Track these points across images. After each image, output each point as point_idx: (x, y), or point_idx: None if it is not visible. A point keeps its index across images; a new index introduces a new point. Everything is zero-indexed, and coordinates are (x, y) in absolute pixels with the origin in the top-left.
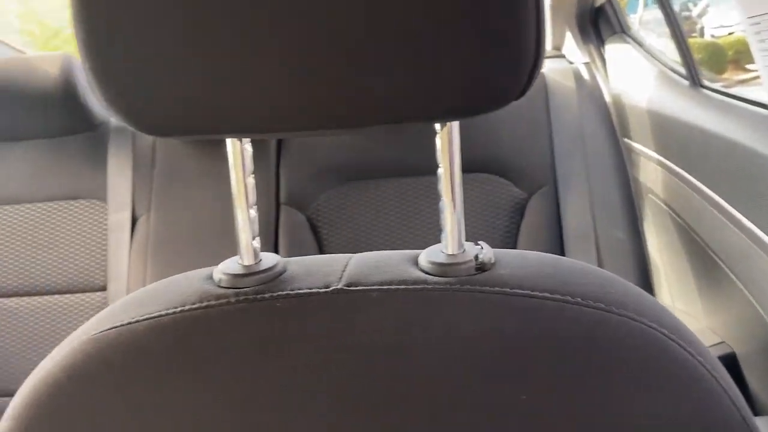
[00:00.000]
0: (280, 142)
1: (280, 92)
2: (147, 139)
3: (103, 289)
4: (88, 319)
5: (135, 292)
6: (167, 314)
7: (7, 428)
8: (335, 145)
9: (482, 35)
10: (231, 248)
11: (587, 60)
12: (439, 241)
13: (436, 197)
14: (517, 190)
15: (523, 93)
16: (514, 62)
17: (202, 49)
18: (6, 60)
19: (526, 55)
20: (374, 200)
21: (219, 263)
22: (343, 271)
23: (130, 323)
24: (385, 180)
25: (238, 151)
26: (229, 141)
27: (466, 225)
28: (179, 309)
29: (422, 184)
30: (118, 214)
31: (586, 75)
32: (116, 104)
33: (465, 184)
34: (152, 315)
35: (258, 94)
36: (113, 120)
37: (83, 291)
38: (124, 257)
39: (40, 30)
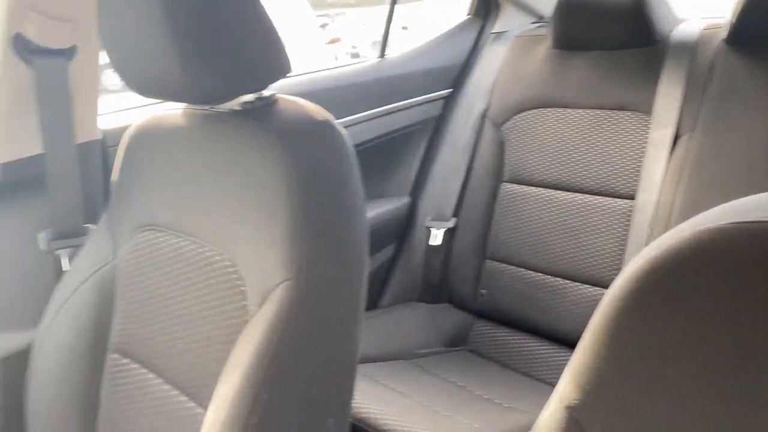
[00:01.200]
0: None
1: None
2: (707, 57)
3: (631, 198)
4: (611, 221)
5: (748, 197)
6: None
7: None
8: None
9: None
10: None
11: None
12: None
13: None
14: None
15: None
16: None
17: None
18: None
19: None
20: None
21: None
22: None
23: (744, 222)
24: None
25: None
26: None
27: None
28: None
29: None
30: (661, 130)
31: None
32: None
33: None
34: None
35: None
36: (674, 35)
37: (611, 196)
38: (659, 172)
39: None
